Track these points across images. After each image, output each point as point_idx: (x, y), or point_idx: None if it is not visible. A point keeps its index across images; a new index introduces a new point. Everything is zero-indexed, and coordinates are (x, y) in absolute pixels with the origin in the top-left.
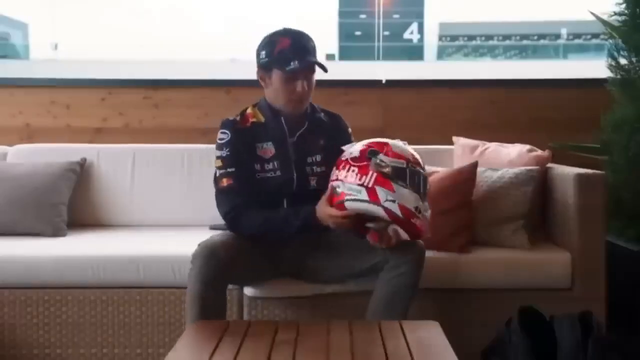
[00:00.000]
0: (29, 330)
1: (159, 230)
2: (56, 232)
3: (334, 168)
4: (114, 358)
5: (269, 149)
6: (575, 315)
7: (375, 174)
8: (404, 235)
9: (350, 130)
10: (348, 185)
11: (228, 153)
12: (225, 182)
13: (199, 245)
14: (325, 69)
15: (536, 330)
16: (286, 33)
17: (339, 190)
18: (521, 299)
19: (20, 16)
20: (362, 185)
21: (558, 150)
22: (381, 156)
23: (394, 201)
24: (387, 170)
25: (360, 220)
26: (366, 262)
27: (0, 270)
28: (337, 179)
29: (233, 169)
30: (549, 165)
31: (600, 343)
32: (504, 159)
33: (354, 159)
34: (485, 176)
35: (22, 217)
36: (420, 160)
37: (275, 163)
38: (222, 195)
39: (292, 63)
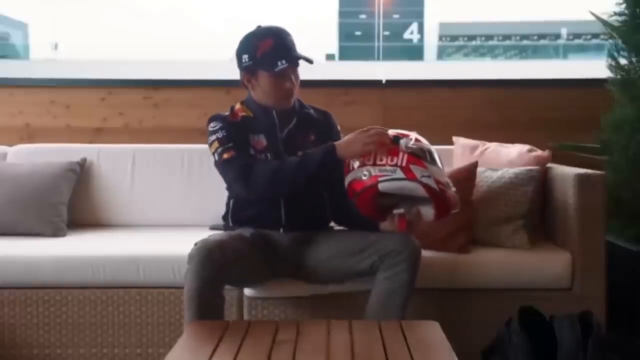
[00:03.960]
0: (29, 330)
1: (159, 230)
2: (56, 232)
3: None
4: (114, 358)
5: (260, 140)
6: (575, 315)
7: (405, 155)
8: (428, 216)
9: (339, 127)
10: (379, 167)
11: (224, 133)
12: (226, 155)
13: (195, 245)
14: (311, 62)
15: (536, 330)
16: (265, 33)
17: (367, 174)
18: (521, 299)
19: (20, 16)
20: (395, 165)
21: (558, 150)
22: (406, 139)
23: (429, 176)
24: (416, 150)
25: (380, 209)
26: (363, 263)
27: (0, 270)
28: (363, 165)
29: (231, 144)
30: (549, 165)
31: (600, 343)
32: (504, 159)
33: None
34: (485, 176)
35: (22, 217)
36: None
37: (268, 155)
38: (226, 165)
39: (279, 63)
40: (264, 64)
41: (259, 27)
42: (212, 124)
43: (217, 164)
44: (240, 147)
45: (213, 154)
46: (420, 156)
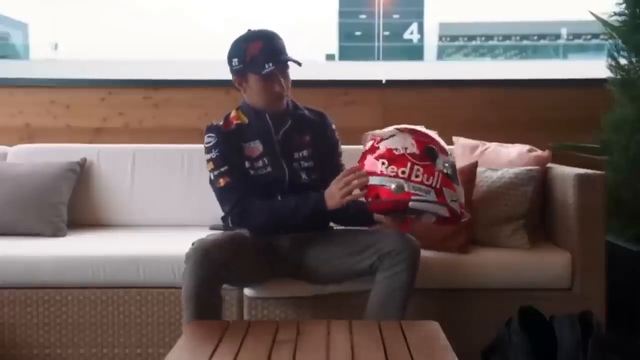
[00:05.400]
0: (29, 330)
1: (159, 230)
2: (56, 232)
3: (383, 160)
4: (114, 358)
5: (256, 147)
6: (575, 315)
7: (441, 176)
8: (428, 220)
9: (334, 126)
10: (414, 185)
11: (217, 153)
12: (222, 181)
13: (192, 244)
14: (299, 64)
15: (536, 330)
16: (255, 37)
17: (399, 188)
18: (521, 299)
19: (20, 16)
20: (430, 186)
21: (558, 150)
22: (442, 159)
23: (455, 201)
24: (449, 171)
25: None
26: (362, 263)
27: (0, 270)
28: (395, 175)
29: (226, 167)
30: (549, 165)
31: (600, 343)
32: (504, 159)
33: (413, 155)
34: (485, 176)
35: (22, 217)
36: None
37: (265, 160)
38: (222, 194)
39: (266, 66)
40: (253, 67)
41: (249, 30)
42: (206, 138)
43: (212, 184)
44: (234, 169)
45: (209, 171)
46: (452, 178)
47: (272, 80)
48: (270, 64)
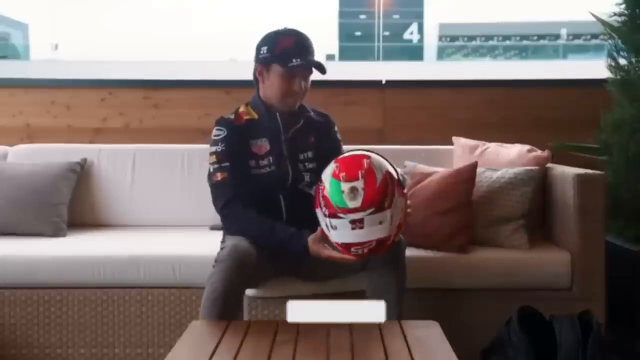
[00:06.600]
0: (29, 330)
1: (159, 230)
2: (56, 232)
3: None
4: (114, 358)
5: (263, 145)
6: (575, 315)
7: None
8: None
9: (336, 128)
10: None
11: (223, 148)
12: (219, 176)
13: (229, 247)
14: (324, 71)
15: (536, 330)
16: (289, 32)
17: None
18: (521, 299)
19: (21, 16)
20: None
21: (558, 150)
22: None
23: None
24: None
25: None
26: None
27: (0, 270)
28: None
29: (227, 164)
30: (549, 165)
31: (600, 343)
32: (504, 159)
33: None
34: (485, 176)
35: (23, 218)
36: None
37: (270, 158)
38: (216, 190)
39: (294, 60)
40: (280, 59)
41: (286, 28)
42: (215, 131)
43: (209, 178)
44: (235, 167)
45: (209, 164)
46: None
47: (293, 78)
48: (299, 60)
